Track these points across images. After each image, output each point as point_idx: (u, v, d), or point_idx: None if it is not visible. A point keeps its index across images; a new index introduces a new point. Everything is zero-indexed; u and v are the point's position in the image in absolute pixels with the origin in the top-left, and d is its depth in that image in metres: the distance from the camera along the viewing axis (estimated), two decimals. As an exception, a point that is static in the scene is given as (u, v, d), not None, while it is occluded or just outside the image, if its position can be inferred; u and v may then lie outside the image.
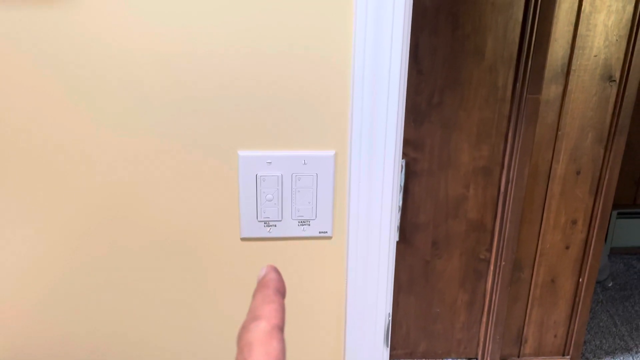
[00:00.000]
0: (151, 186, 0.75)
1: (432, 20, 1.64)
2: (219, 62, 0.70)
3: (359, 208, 0.77)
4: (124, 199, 0.75)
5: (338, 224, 0.79)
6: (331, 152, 0.75)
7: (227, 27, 0.68)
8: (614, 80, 1.71)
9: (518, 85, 1.71)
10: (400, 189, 1.86)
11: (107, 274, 0.79)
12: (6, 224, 0.75)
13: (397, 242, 1.97)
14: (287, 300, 0.83)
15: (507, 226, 1.92)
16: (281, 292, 0.33)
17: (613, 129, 1.78)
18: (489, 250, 1.99)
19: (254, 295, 0.33)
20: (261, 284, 0.34)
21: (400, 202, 1.88)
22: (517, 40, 1.68)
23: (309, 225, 0.78)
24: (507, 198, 1.88)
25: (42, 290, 0.79)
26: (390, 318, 0.84)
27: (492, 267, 2.01)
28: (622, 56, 1.68)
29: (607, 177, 1.84)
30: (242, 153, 0.74)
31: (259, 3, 0.67)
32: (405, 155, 1.82)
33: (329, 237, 0.80)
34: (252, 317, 0.31)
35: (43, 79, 0.69)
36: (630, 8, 1.63)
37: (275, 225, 0.78)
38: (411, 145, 1.80)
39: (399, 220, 1.91)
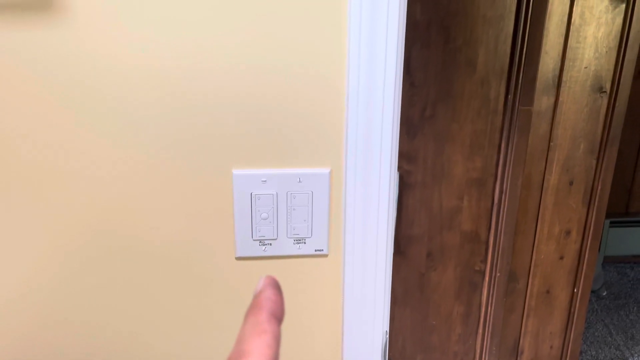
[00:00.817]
0: (145, 205, 0.74)
1: (424, 34, 1.65)
2: (213, 81, 0.69)
3: (355, 226, 0.77)
4: (118, 217, 0.74)
5: (334, 241, 0.79)
6: (326, 170, 0.75)
7: (222, 45, 0.68)
8: (605, 92, 1.72)
9: (510, 97, 1.72)
10: (395, 201, 1.86)
11: (100, 293, 0.78)
12: (-3, 246, 0.73)
13: (392, 255, 1.96)
14: (284, 320, 0.82)
15: (502, 237, 1.92)
16: (277, 315, 0.28)
17: (605, 140, 1.79)
18: (484, 261, 1.99)
19: (246, 318, 0.28)
20: (255, 304, 0.28)
21: (395, 215, 1.88)
22: (508, 52, 1.69)
23: (305, 243, 0.78)
24: (501, 209, 1.88)
25: (32, 310, 0.78)
26: (388, 336, 0.84)
27: (487, 279, 2.01)
28: (612, 68, 1.70)
29: (599, 187, 1.84)
30: (236, 172, 0.74)
31: (252, 22, 0.67)
32: (399, 167, 1.82)
33: (325, 255, 0.79)
34: (238, 351, 0.26)
35: (38, 96, 0.68)
36: (619, 20, 1.65)
37: (270, 244, 0.78)
38: (405, 158, 1.80)
39: (394, 233, 1.91)
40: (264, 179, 0.74)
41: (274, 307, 0.28)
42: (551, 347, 2.10)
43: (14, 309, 0.77)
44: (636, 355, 2.21)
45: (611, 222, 2.79)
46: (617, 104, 1.74)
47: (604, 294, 2.62)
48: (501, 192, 1.86)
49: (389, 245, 0.79)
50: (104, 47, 0.67)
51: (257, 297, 0.29)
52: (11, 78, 0.67)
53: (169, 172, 0.73)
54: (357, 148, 0.72)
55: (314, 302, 0.81)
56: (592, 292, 2.62)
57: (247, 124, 0.72)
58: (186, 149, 0.72)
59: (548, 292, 2.02)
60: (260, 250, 0.78)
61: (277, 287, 0.29)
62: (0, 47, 0.65)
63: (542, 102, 1.74)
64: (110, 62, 0.67)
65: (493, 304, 2.02)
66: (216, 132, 0.72)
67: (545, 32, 1.65)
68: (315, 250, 0.78)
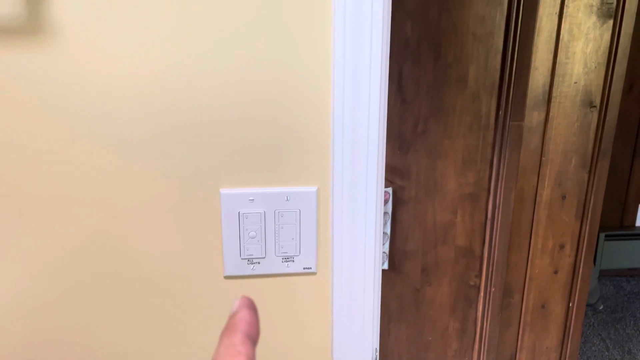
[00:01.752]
0: (133, 224, 0.74)
1: (415, 51, 1.67)
2: (200, 101, 0.70)
3: (343, 243, 0.77)
4: (107, 238, 0.75)
5: (322, 259, 0.79)
6: (314, 188, 0.75)
7: (209, 66, 0.69)
8: (595, 106, 1.74)
9: (501, 112, 1.74)
10: (389, 217, 1.86)
11: (89, 312, 0.78)
12: (-15, 267, 0.74)
13: (387, 271, 1.96)
14: (272, 338, 0.82)
15: (496, 252, 1.92)
16: (252, 336, 0.28)
17: (596, 154, 1.80)
18: (479, 276, 1.99)
19: (220, 339, 0.28)
20: (229, 326, 0.28)
21: (389, 230, 1.88)
22: (498, 68, 1.70)
23: (293, 261, 0.78)
24: (495, 223, 1.88)
25: (23, 331, 0.77)
26: (378, 353, 0.84)
27: (482, 293, 2.00)
28: (601, 82, 1.72)
29: (592, 201, 1.85)
30: (224, 191, 0.74)
31: (239, 44, 0.68)
32: (392, 183, 1.82)
33: (314, 273, 0.80)
34: None
35: (26, 116, 0.69)
36: (607, 36, 1.67)
37: (259, 263, 0.78)
38: (398, 174, 1.81)
39: (388, 249, 1.91)
40: (252, 198, 0.75)
41: (249, 328, 0.28)
42: (548, 362, 2.09)
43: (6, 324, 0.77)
44: (633, 369, 2.20)
45: (606, 236, 2.79)
46: (607, 118, 1.75)
47: (601, 307, 2.61)
48: (494, 206, 1.86)
49: (377, 263, 0.79)
50: (91, 69, 0.67)
51: (232, 317, 0.29)
52: (1, 99, 0.67)
53: (157, 191, 0.73)
54: (343, 167, 0.73)
55: (303, 320, 0.81)
56: (589, 306, 2.62)
57: (234, 144, 0.72)
58: (174, 169, 0.72)
59: (543, 306, 2.01)
60: (248, 269, 0.78)
61: (252, 307, 0.29)
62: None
63: (533, 117, 1.75)
64: (98, 83, 0.68)
65: (488, 319, 2.02)
66: (204, 152, 0.72)
67: (534, 49, 1.67)
68: (304, 269, 0.79)
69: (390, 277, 1.96)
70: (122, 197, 0.73)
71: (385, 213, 1.85)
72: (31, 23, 0.65)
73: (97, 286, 0.77)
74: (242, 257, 0.77)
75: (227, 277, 0.78)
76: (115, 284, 0.77)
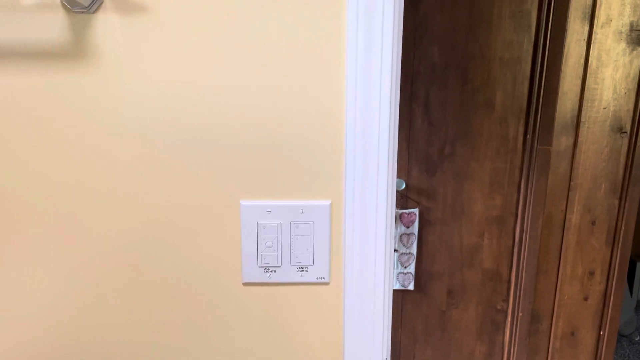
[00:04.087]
0: (161, 234, 0.81)
1: (441, 75, 1.71)
2: (224, 120, 0.76)
3: (354, 255, 0.81)
4: (134, 246, 0.81)
5: (335, 270, 0.83)
6: (327, 202, 0.80)
7: (233, 87, 0.75)
8: (625, 132, 1.73)
9: (528, 136, 1.75)
10: (415, 237, 1.88)
11: (112, 315, 0.84)
12: (23, 267, 0.81)
13: (412, 292, 1.98)
14: (286, 344, 0.86)
15: (523, 276, 1.91)
16: None
17: (627, 180, 1.78)
18: (506, 300, 1.98)
19: None
20: None
21: (415, 251, 1.90)
22: (526, 93, 1.72)
23: (307, 271, 0.83)
24: (522, 248, 1.88)
25: (53, 328, 0.84)
26: (387, 364, 0.87)
27: (509, 318, 1.99)
28: (631, 108, 1.71)
29: (623, 227, 1.83)
30: (244, 202, 0.80)
31: (261, 69, 0.74)
32: (418, 204, 1.85)
33: (327, 283, 0.84)
34: None
35: (72, 135, 0.76)
36: (637, 62, 1.67)
37: (275, 271, 0.83)
38: (424, 195, 1.84)
39: (414, 269, 1.92)
40: (269, 210, 0.80)
41: None
42: (577, 391, 2.04)
43: (41, 324, 0.84)
44: (669, 404, 2.13)
45: (644, 265, 2.71)
46: (638, 144, 1.74)
47: (637, 339, 2.54)
48: (522, 230, 1.86)
49: (387, 275, 0.83)
50: (127, 90, 0.75)
51: None
52: (47, 117, 0.75)
53: (183, 203, 0.79)
54: (355, 183, 0.78)
55: (315, 328, 0.85)
56: (624, 337, 2.55)
57: (254, 159, 0.78)
58: (199, 182, 0.79)
59: (573, 333, 1.98)
60: (265, 277, 0.83)
61: None
62: (39, 89, 0.74)
63: (561, 141, 1.76)
64: (132, 103, 0.75)
65: (516, 345, 2.00)
66: (226, 166, 0.78)
67: (562, 74, 1.68)
68: (317, 278, 0.83)
69: (416, 299, 1.97)
70: (152, 208, 0.79)
71: (412, 234, 1.88)
72: (76, 47, 0.73)
73: (123, 291, 0.83)
74: (260, 265, 0.82)
75: (245, 284, 0.84)
76: (140, 289, 0.83)
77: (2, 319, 0.84)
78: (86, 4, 0.69)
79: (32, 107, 0.76)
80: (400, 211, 1.84)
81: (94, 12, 0.71)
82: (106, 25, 0.72)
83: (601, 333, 1.97)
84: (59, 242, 0.81)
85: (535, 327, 1.99)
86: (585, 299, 1.94)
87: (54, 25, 0.72)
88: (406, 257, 1.90)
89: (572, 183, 1.80)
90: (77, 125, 0.76)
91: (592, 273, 1.90)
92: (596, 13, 1.63)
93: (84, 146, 0.77)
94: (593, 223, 1.84)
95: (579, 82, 1.69)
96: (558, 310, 1.96)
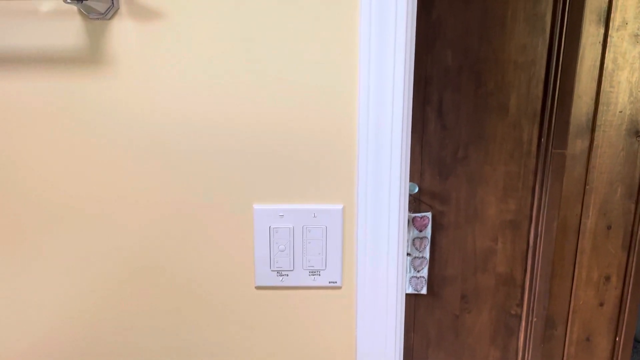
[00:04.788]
0: (175, 238, 0.81)
1: (455, 79, 1.70)
2: (237, 125, 0.77)
3: (367, 259, 0.81)
4: (146, 251, 0.82)
5: (347, 274, 0.83)
6: (339, 206, 0.80)
7: (248, 97, 0.76)
8: (641, 136, 1.71)
9: (543, 140, 1.74)
10: (428, 241, 1.88)
11: (125, 321, 0.85)
12: (32, 281, 0.82)
13: (425, 296, 1.97)
14: (298, 348, 0.86)
15: (538, 281, 1.89)
16: None
17: (643, 184, 1.76)
18: (520, 305, 1.96)
19: None
20: None
21: (428, 255, 1.90)
22: (540, 96, 1.71)
23: (319, 275, 0.83)
24: (537, 252, 1.86)
25: (69, 334, 0.85)
26: (400, 368, 0.86)
27: (523, 323, 1.97)
28: (648, 112, 1.69)
29: (639, 232, 1.81)
30: (257, 206, 0.80)
31: (274, 72, 0.75)
32: (431, 208, 1.84)
33: (339, 287, 0.84)
34: None
35: (86, 140, 0.77)
36: (653, 65, 1.65)
37: (287, 275, 0.83)
38: (437, 198, 1.83)
39: (427, 273, 1.92)
40: (282, 214, 0.80)
41: None
42: (593, 398, 2.02)
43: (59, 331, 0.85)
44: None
45: (661, 270, 2.67)
46: (655, 148, 1.72)
47: (654, 345, 2.50)
48: (536, 235, 1.85)
49: (400, 280, 0.83)
50: (142, 96, 0.76)
51: None
52: (63, 123, 0.77)
53: (197, 207, 0.80)
54: (367, 187, 0.78)
55: (328, 332, 0.86)
56: (641, 343, 2.51)
57: (268, 164, 0.79)
58: (212, 186, 0.79)
59: (588, 339, 1.96)
60: (277, 281, 0.83)
61: None
62: (54, 96, 0.76)
63: (576, 145, 1.74)
64: (147, 108, 0.76)
65: (530, 350, 1.98)
66: (239, 170, 0.79)
67: (577, 77, 1.67)
68: (330, 282, 0.83)
69: (429, 303, 1.96)
70: (166, 212, 0.80)
71: (425, 238, 1.87)
72: (92, 53, 0.74)
73: (137, 294, 0.84)
74: (272, 269, 0.83)
75: (258, 288, 0.84)
76: (155, 292, 0.84)
77: (25, 320, 0.85)
78: (102, 11, 0.70)
79: (49, 110, 0.77)
80: (413, 215, 1.83)
81: (109, 19, 0.72)
82: (122, 31, 0.73)
83: (617, 339, 1.94)
84: (79, 249, 0.82)
85: (549, 333, 1.97)
86: (601, 304, 1.91)
87: (70, 32, 0.73)
88: (419, 261, 1.89)
89: (587, 187, 1.78)
90: (93, 129, 0.77)
91: (607, 278, 1.88)
92: (612, 16, 1.62)
93: (100, 150, 0.78)
94: (609, 227, 1.82)
95: (594, 85, 1.68)
96: (573, 316, 1.94)
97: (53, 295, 0.84)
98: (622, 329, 1.92)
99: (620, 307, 1.91)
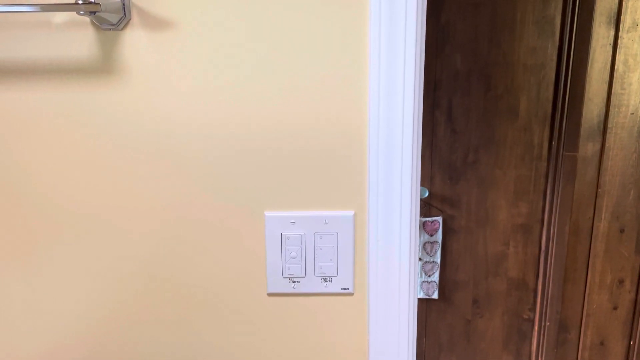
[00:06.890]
0: (188, 244, 0.82)
1: (464, 83, 1.70)
2: (249, 134, 0.77)
3: (378, 266, 0.81)
4: (159, 258, 0.82)
5: (359, 280, 0.83)
6: (350, 213, 0.80)
7: (260, 106, 0.76)
8: (654, 138, 1.70)
9: (554, 143, 1.73)
10: (438, 246, 1.87)
11: (135, 330, 0.85)
12: (44, 288, 0.83)
13: (437, 300, 1.96)
14: (309, 356, 0.86)
15: (550, 285, 1.88)
16: None
17: (656, 186, 1.75)
18: (532, 309, 1.95)
19: None
20: None
21: (439, 259, 1.89)
22: (550, 99, 1.70)
23: (331, 281, 0.83)
24: (549, 256, 1.85)
25: (80, 348, 0.86)
26: (412, 375, 0.86)
27: (536, 328, 1.96)
28: (660, 113, 1.68)
29: (653, 235, 1.79)
30: (268, 214, 0.80)
31: (284, 81, 0.75)
32: (441, 212, 1.84)
33: (351, 294, 0.84)
34: None
35: (92, 151, 0.78)
36: (665, 66, 1.64)
37: (299, 282, 0.83)
38: (447, 203, 1.83)
39: (438, 278, 1.91)
40: (293, 221, 0.80)
41: None
42: (607, 403, 2.00)
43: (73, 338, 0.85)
44: None
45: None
46: (667, 150, 1.70)
47: (669, 349, 2.47)
48: (548, 238, 1.83)
49: (412, 286, 0.83)
50: (154, 105, 0.76)
51: None
52: (75, 132, 0.77)
53: (209, 214, 0.80)
54: (378, 192, 0.78)
55: (340, 338, 0.85)
56: (656, 346, 2.48)
57: (278, 171, 0.79)
58: (224, 194, 0.80)
59: (602, 343, 1.94)
60: (289, 287, 0.83)
61: None
62: (67, 106, 0.76)
63: (588, 148, 1.73)
64: (160, 117, 0.77)
65: (543, 355, 1.96)
66: (251, 178, 0.79)
67: (587, 79, 1.66)
68: (341, 289, 0.83)
69: (441, 307, 1.95)
70: (179, 220, 0.81)
71: (435, 242, 1.86)
72: (104, 63, 0.75)
73: (148, 302, 0.84)
74: (284, 275, 0.83)
75: (270, 294, 0.84)
76: (168, 300, 0.84)
77: (34, 327, 0.86)
78: (114, 22, 0.71)
79: (62, 120, 0.78)
80: (424, 219, 1.83)
81: (121, 29, 0.73)
82: (134, 41, 0.74)
83: (631, 343, 1.92)
84: (91, 257, 0.82)
85: (563, 337, 1.95)
86: (615, 308, 1.90)
87: (83, 43, 0.74)
88: (430, 265, 1.88)
89: (599, 190, 1.77)
90: (105, 138, 0.78)
91: (621, 282, 1.86)
92: (622, 18, 1.61)
93: (112, 158, 0.79)
94: (622, 230, 1.81)
95: (605, 87, 1.67)
96: (586, 320, 1.92)
97: (63, 303, 0.85)
98: (636, 333, 1.90)
99: (634, 310, 1.89)
